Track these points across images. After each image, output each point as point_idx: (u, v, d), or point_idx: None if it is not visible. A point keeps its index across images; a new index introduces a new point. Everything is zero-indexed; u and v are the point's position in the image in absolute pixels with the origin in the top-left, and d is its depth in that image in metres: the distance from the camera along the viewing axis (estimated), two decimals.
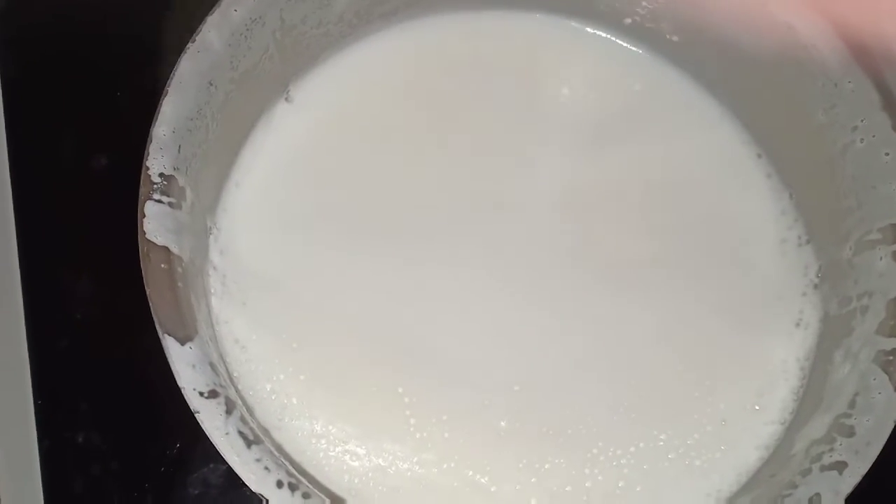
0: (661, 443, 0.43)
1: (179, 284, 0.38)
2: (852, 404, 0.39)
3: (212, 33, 0.41)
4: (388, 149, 0.47)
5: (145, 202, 0.38)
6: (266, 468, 0.35)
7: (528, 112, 0.49)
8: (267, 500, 0.35)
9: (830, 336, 0.44)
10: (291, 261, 0.45)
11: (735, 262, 0.47)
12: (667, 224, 0.47)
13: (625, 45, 0.50)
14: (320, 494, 0.36)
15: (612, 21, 0.49)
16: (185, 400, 0.35)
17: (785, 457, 0.41)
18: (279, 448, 0.41)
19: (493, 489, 0.42)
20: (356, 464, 0.42)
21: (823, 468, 0.38)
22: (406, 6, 0.48)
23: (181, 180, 0.39)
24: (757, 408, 0.44)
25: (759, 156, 0.49)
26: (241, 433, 0.35)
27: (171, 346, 0.36)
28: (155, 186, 0.38)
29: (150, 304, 0.36)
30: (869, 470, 0.37)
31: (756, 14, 0.43)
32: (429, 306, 0.44)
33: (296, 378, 0.43)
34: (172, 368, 0.36)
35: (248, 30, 0.42)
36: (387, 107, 0.48)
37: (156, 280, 0.37)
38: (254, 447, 0.35)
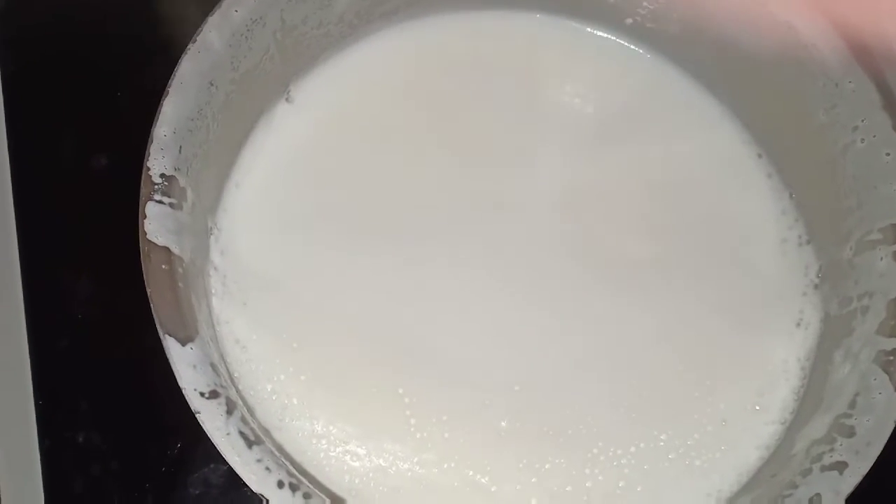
0: (662, 443, 0.43)
1: (180, 285, 0.38)
2: (853, 404, 0.39)
3: (212, 34, 0.41)
4: (389, 149, 0.47)
5: (146, 203, 0.38)
6: (267, 468, 0.35)
7: (529, 112, 0.49)
8: (268, 501, 0.35)
9: (831, 336, 0.44)
10: (292, 261, 0.45)
11: (735, 262, 0.47)
12: (667, 224, 0.47)
13: (625, 44, 0.50)
14: (321, 495, 0.36)
15: (612, 21, 0.49)
16: (185, 400, 0.35)
17: (785, 457, 0.41)
18: (280, 448, 0.41)
19: (493, 489, 0.42)
20: (357, 464, 0.42)
21: (824, 468, 0.38)
22: (406, 6, 0.48)
23: (182, 181, 0.39)
24: (757, 408, 0.44)
25: (760, 155, 0.49)
26: (241, 433, 0.35)
27: (171, 346, 0.36)
28: (156, 187, 0.38)
29: (151, 305, 0.36)
30: (869, 470, 0.37)
31: (757, 14, 0.43)
32: (429, 306, 0.44)
33: (296, 378, 0.43)
34: (173, 369, 0.36)
35: (248, 30, 0.42)
36: (387, 107, 0.48)
37: (156, 280, 0.37)
38: (254, 447, 0.35)
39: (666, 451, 0.43)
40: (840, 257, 0.44)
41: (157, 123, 0.39)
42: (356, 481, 0.41)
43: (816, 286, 0.46)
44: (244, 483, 0.35)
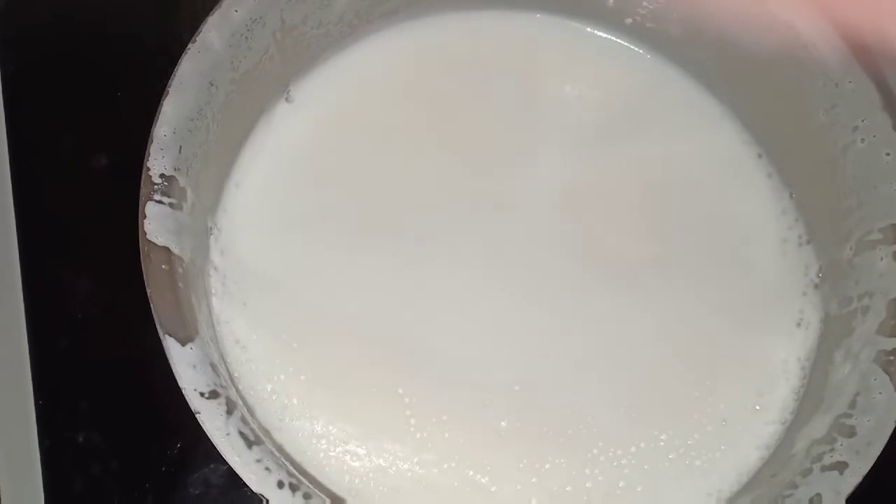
0: (662, 443, 0.43)
1: (180, 285, 0.38)
2: (853, 404, 0.39)
3: (212, 34, 0.41)
4: (389, 149, 0.47)
5: (146, 203, 0.38)
6: (267, 468, 0.35)
7: (529, 112, 0.49)
8: (268, 501, 0.35)
9: (831, 336, 0.44)
10: (292, 261, 0.45)
11: (735, 262, 0.47)
12: (667, 224, 0.47)
13: (625, 44, 0.50)
14: (321, 495, 0.36)
15: (612, 21, 0.49)
16: (185, 400, 0.35)
17: (785, 457, 0.41)
18: (280, 448, 0.41)
19: (493, 489, 0.42)
20: (357, 464, 0.42)
21: (824, 468, 0.38)
22: (406, 6, 0.48)
23: (182, 181, 0.39)
24: (757, 408, 0.44)
25: (760, 155, 0.49)
26: (241, 433, 0.35)
27: (171, 346, 0.36)
28: (156, 187, 0.38)
29: (151, 305, 0.36)
30: (870, 470, 0.37)
31: (757, 13, 0.43)
32: (429, 306, 0.44)
33: (296, 378, 0.43)
34: (173, 369, 0.36)
35: (248, 30, 0.42)
36: (387, 107, 0.48)
37: (156, 280, 0.37)
38: (254, 447, 0.35)
39: (666, 450, 0.43)
40: (840, 257, 0.44)
41: (157, 123, 0.39)
42: (356, 481, 0.41)
43: (817, 286, 0.46)
44: (244, 483, 0.35)
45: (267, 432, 0.41)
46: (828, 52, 0.43)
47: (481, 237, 0.46)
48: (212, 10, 0.41)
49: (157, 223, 0.38)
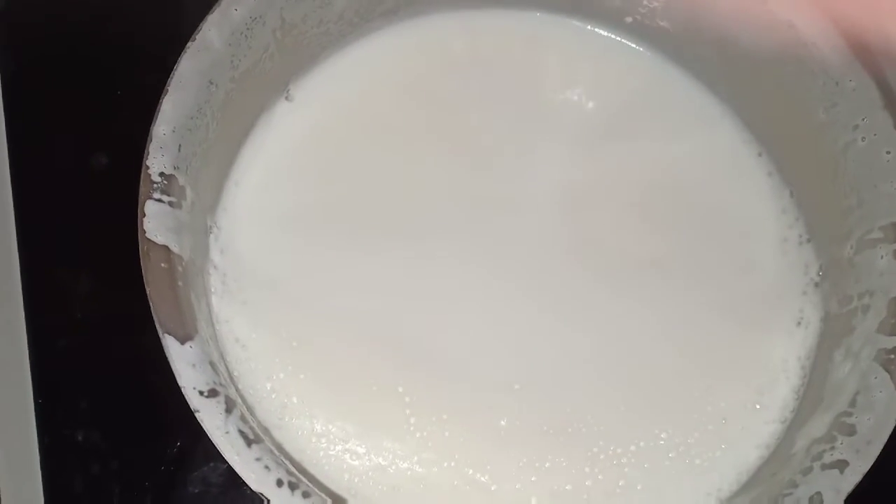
0: (662, 441, 0.43)
1: (179, 283, 0.38)
2: (853, 403, 0.39)
3: (212, 32, 0.41)
4: (389, 147, 0.47)
5: (145, 201, 0.38)
6: (266, 467, 0.35)
7: (529, 110, 0.49)
8: (267, 499, 0.35)
9: (831, 335, 0.44)
10: (292, 259, 0.45)
11: (736, 261, 0.47)
12: (667, 222, 0.47)
13: (626, 43, 0.50)
14: (320, 493, 0.36)
15: (613, 19, 0.49)
16: (185, 399, 0.35)
17: (785, 455, 0.41)
18: (279, 447, 0.41)
19: (493, 488, 0.42)
20: (356, 462, 0.42)
21: (824, 467, 0.38)
22: (406, 4, 0.48)
23: (181, 179, 0.39)
24: (757, 406, 0.44)
25: (760, 154, 0.49)
26: (241, 432, 0.35)
27: (170, 345, 0.36)
28: (155, 185, 0.38)
29: (150, 303, 0.36)
30: (870, 469, 0.37)
31: (757, 12, 0.43)
32: (429, 305, 0.44)
33: (296, 377, 0.43)
34: (172, 367, 0.36)
35: (248, 29, 0.42)
36: (387, 105, 0.48)
37: (156, 279, 0.37)
38: (254, 446, 0.35)
39: (666, 449, 0.43)
40: (840, 256, 0.44)
41: (157, 122, 0.39)
42: (355, 480, 0.41)
43: (817, 285, 0.46)
44: (244, 482, 0.35)
45: (266, 431, 0.41)
46: (828, 50, 0.43)
47: (481, 235, 0.46)
48: (212, 8, 0.41)
49: (156, 221, 0.38)
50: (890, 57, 0.42)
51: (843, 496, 0.37)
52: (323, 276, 0.45)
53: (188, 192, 0.40)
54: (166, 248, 0.37)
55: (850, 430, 0.38)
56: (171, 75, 0.40)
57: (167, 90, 0.39)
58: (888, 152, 0.42)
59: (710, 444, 0.43)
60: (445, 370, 0.43)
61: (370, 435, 0.42)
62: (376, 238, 0.45)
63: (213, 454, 0.35)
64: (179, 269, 0.38)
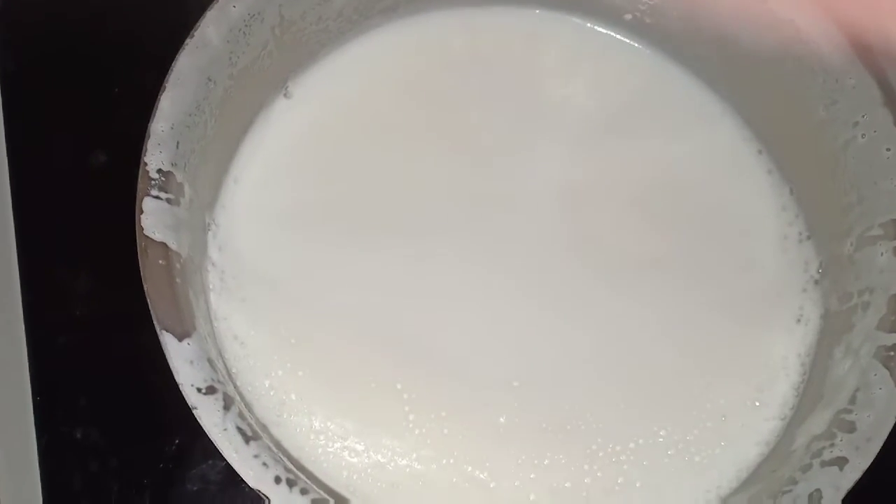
0: (661, 439, 0.43)
1: (177, 280, 0.38)
2: (853, 400, 0.39)
3: (210, 29, 0.40)
4: (388, 145, 0.47)
5: (143, 198, 0.38)
6: (264, 464, 0.35)
7: (529, 108, 0.49)
8: (266, 497, 0.35)
9: (831, 332, 0.44)
10: (290, 257, 0.45)
11: (736, 258, 0.47)
12: (667, 220, 0.47)
13: (625, 40, 0.50)
14: (319, 490, 0.36)
15: (612, 17, 0.49)
16: (183, 396, 0.35)
17: (785, 452, 0.41)
18: (277, 444, 0.41)
19: (492, 485, 0.42)
20: (355, 460, 0.42)
21: (824, 464, 0.38)
22: (406, 2, 0.48)
23: (179, 176, 0.39)
24: (757, 403, 0.44)
25: (760, 152, 0.49)
26: (239, 429, 0.35)
27: (168, 342, 0.36)
28: (153, 182, 0.38)
29: (148, 301, 0.36)
30: (870, 466, 0.37)
31: (757, 10, 0.43)
32: (428, 302, 0.44)
33: (294, 374, 0.42)
34: (170, 364, 0.36)
35: (246, 26, 0.42)
36: (386, 103, 0.48)
37: (154, 276, 0.37)
38: (252, 443, 0.35)
39: (665, 447, 0.43)
40: (840, 253, 0.44)
41: (155, 119, 0.39)
42: (354, 477, 0.41)
43: (817, 282, 0.46)
44: (242, 479, 0.35)
45: (265, 428, 0.41)
46: (828, 48, 0.43)
47: (480, 233, 0.46)
48: (210, 5, 0.41)
49: (154, 218, 0.38)
50: (890, 54, 0.42)
51: (843, 493, 0.37)
52: (322, 274, 0.44)
53: (186, 188, 0.40)
54: (164, 245, 0.37)
55: (850, 427, 0.38)
56: (170, 72, 0.40)
57: (165, 87, 0.39)
58: (888, 149, 0.42)
59: (709, 442, 0.43)
60: (444, 367, 0.43)
61: (369, 432, 0.42)
62: (375, 235, 0.45)
63: (212, 451, 0.35)
64: (177, 266, 0.38)
